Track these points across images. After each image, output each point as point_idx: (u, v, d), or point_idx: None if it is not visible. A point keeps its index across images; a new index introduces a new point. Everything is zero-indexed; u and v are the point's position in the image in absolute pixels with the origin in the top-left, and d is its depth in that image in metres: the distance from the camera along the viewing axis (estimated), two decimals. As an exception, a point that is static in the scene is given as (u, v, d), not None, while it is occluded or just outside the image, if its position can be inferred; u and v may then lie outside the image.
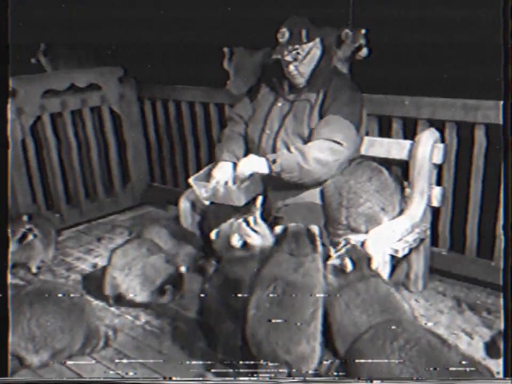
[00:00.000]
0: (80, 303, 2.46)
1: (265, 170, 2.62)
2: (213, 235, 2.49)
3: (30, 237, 3.14)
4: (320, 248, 2.27)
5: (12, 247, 3.09)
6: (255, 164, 2.64)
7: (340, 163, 2.65)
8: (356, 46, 3.05)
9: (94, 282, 3.06)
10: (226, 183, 2.74)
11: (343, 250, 2.36)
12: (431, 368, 1.89)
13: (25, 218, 3.20)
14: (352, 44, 3.06)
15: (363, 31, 3.06)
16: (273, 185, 2.77)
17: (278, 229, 2.33)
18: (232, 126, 2.99)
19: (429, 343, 1.94)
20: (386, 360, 1.96)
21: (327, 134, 2.62)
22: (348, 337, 2.17)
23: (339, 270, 2.31)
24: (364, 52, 3.06)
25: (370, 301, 2.19)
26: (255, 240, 2.41)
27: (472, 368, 1.89)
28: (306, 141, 2.72)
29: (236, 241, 2.38)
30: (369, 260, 2.34)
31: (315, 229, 2.28)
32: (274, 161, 2.59)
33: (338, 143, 2.60)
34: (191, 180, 2.84)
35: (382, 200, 2.65)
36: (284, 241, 2.25)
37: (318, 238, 2.26)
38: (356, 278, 2.27)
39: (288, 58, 2.65)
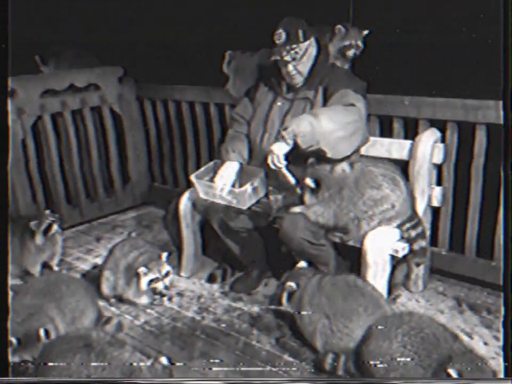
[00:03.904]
0: (89, 287, 2.71)
1: (285, 147, 2.51)
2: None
3: (55, 227, 3.17)
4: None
5: (39, 240, 3.13)
6: (275, 150, 2.53)
7: (355, 126, 2.53)
8: (346, 44, 3.05)
9: (93, 281, 3.06)
10: (234, 185, 2.77)
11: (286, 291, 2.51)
12: (432, 355, 1.94)
13: (47, 211, 3.24)
14: (341, 41, 3.05)
15: (356, 31, 3.05)
16: (275, 184, 2.77)
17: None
18: (235, 127, 2.99)
19: (434, 333, 2.00)
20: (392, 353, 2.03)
21: (339, 101, 2.58)
22: (321, 331, 2.30)
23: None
24: (351, 51, 3.06)
25: (326, 290, 2.35)
26: None
27: (474, 362, 1.92)
28: None
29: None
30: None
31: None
32: (285, 129, 2.50)
33: (351, 104, 2.55)
34: (192, 177, 2.84)
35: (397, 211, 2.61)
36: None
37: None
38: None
39: (287, 58, 2.66)
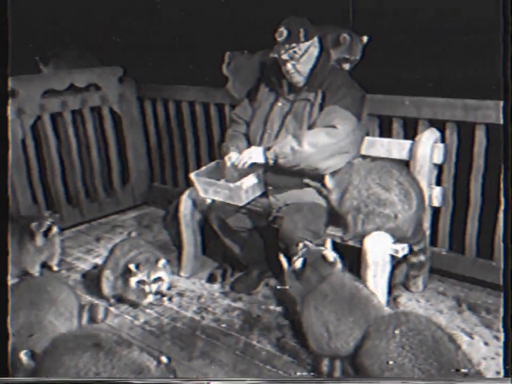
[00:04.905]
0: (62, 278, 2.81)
1: (261, 160, 2.68)
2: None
3: (55, 229, 3.19)
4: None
5: (39, 241, 3.14)
6: (253, 154, 2.69)
7: (338, 147, 2.60)
8: (345, 57, 3.04)
9: (93, 281, 3.06)
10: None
11: (299, 254, 2.46)
12: (432, 360, 1.92)
13: (47, 213, 3.26)
14: (343, 53, 3.03)
15: (358, 45, 3.04)
16: (275, 184, 2.77)
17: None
18: (234, 127, 3.00)
19: (434, 336, 1.98)
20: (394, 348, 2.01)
21: (324, 122, 2.63)
22: (318, 336, 2.26)
23: (299, 275, 2.42)
24: (348, 65, 3.05)
25: (337, 300, 2.26)
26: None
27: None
28: None
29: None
30: (324, 257, 2.40)
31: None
32: (268, 149, 2.66)
33: (333, 126, 2.60)
34: (192, 175, 2.84)
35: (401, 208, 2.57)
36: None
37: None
38: (316, 280, 2.35)
39: (285, 57, 2.65)
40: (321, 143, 2.58)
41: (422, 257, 2.72)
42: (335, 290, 2.30)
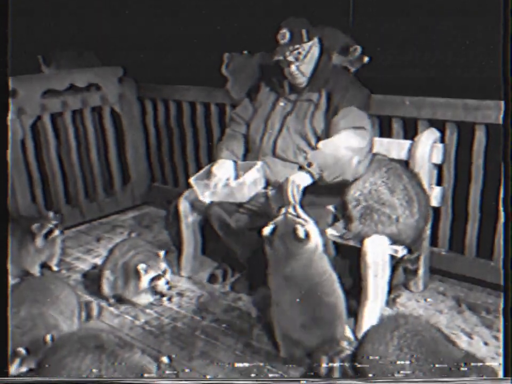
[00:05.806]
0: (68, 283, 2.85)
1: (309, 181, 2.52)
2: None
3: (56, 232, 3.19)
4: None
5: (39, 243, 3.14)
6: (299, 182, 2.51)
7: (368, 149, 2.57)
8: (347, 66, 3.04)
9: (93, 281, 3.06)
10: (227, 179, 2.76)
11: (275, 220, 2.36)
12: (432, 360, 1.93)
13: (51, 214, 3.26)
14: (347, 63, 3.02)
15: (360, 60, 3.04)
16: (275, 184, 2.77)
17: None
18: (233, 126, 3.00)
19: (432, 337, 1.99)
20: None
21: (348, 123, 2.57)
22: (274, 307, 2.38)
23: (270, 241, 2.35)
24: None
25: (298, 285, 2.30)
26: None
27: (476, 365, 1.92)
28: (307, 139, 2.73)
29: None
30: (294, 231, 2.29)
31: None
32: (309, 165, 2.50)
33: (362, 128, 2.56)
34: (191, 180, 2.84)
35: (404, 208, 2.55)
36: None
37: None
38: (283, 252, 2.31)
39: (290, 58, 2.66)
40: (358, 146, 2.50)
41: (411, 266, 2.77)
42: (300, 276, 2.31)
